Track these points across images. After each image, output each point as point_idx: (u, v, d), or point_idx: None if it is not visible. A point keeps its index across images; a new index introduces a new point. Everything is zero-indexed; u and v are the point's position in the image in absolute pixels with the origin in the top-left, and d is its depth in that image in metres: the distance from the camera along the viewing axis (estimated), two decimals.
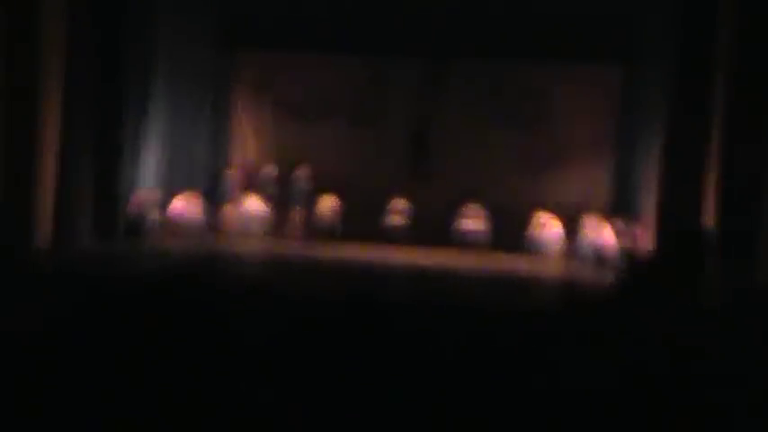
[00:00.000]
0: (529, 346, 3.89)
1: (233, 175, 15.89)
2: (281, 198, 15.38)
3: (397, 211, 14.82)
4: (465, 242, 14.50)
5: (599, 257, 13.37)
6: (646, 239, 12.64)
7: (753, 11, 10.07)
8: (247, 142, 16.33)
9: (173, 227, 14.22)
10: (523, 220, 14.65)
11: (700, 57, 11.27)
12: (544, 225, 14.38)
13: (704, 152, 10.93)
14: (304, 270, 12.17)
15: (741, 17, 10.22)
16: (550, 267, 13.75)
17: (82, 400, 3.40)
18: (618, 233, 13.25)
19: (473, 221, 14.60)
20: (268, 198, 15.40)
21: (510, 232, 14.51)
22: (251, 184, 15.86)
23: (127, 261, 11.26)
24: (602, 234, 13.55)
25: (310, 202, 15.19)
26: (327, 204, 15.01)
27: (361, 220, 14.75)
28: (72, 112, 11.93)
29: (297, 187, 15.28)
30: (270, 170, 15.62)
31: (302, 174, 15.32)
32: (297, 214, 15.28)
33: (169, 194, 14.49)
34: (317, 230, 14.98)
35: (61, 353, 4.37)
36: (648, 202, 12.78)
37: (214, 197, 15.55)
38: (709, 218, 10.68)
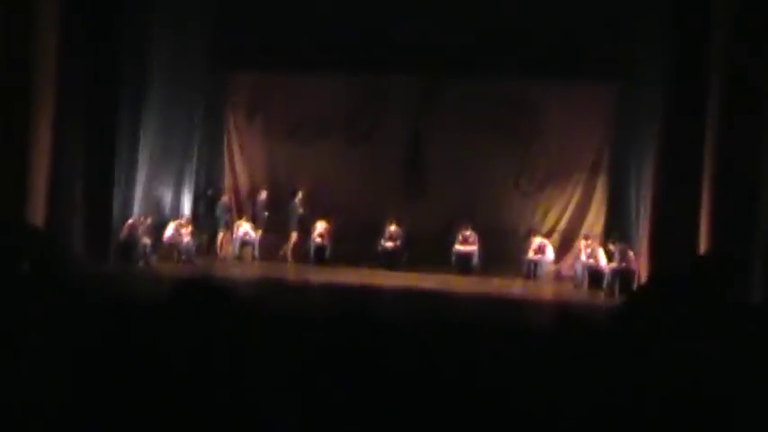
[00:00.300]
0: (523, 367, 3.78)
1: (226, 198, 15.83)
2: (273, 221, 15.31)
3: (391, 235, 14.72)
4: (459, 264, 14.43)
5: (593, 279, 13.30)
6: (640, 261, 12.58)
7: (747, 35, 10.09)
8: (240, 165, 16.27)
9: (165, 252, 14.16)
10: (517, 241, 14.60)
11: (694, 76, 11.27)
12: (538, 246, 14.31)
13: (699, 173, 10.90)
14: (296, 293, 12.09)
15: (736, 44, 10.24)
16: (544, 289, 13.69)
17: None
18: (612, 255, 13.18)
19: (467, 243, 14.53)
20: (261, 222, 15.33)
21: (504, 253, 14.45)
22: (244, 208, 15.82)
23: (118, 284, 11.15)
24: (596, 255, 13.49)
25: (304, 225, 15.13)
26: (320, 228, 14.94)
27: (355, 243, 14.67)
28: (64, 136, 11.92)
29: (290, 212, 15.21)
30: (262, 194, 15.56)
31: (296, 198, 15.26)
32: (290, 238, 15.20)
33: (161, 219, 14.43)
34: (310, 254, 14.91)
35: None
36: (643, 223, 12.73)
37: (206, 221, 15.48)
38: (704, 238, 10.65)
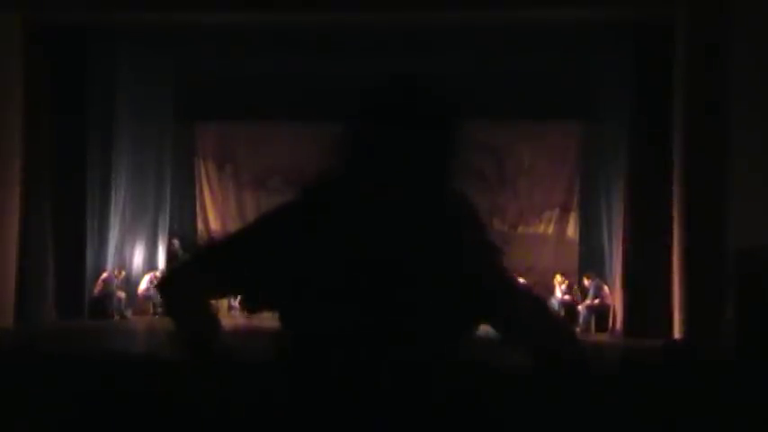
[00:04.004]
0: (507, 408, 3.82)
1: (198, 248, 15.78)
2: None
3: None
4: None
5: (569, 316, 13.35)
6: (614, 296, 12.66)
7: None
8: (212, 213, 16.24)
9: (139, 305, 14.05)
10: None
11: (658, 110, 11.47)
12: None
13: (669, 205, 11.06)
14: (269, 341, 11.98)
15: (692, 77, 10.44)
16: None
17: None
18: (587, 291, 13.26)
19: None
20: None
21: None
22: None
23: (91, 340, 11.05)
24: (571, 294, 13.56)
25: None
26: None
27: None
28: (32, 192, 11.87)
29: None
30: None
31: None
32: None
33: (134, 272, 14.35)
34: None
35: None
36: (615, 258, 12.84)
37: None
38: (676, 272, 10.76)
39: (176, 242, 15.81)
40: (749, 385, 5.08)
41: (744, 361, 7.60)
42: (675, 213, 10.93)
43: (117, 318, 13.28)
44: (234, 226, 16.00)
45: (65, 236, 12.53)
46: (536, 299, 2.15)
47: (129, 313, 13.65)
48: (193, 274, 2.19)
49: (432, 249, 1.98)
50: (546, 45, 12.50)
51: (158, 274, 14.42)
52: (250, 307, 2.24)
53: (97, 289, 13.21)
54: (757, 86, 9.83)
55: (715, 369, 5.45)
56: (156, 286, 2.34)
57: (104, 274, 13.34)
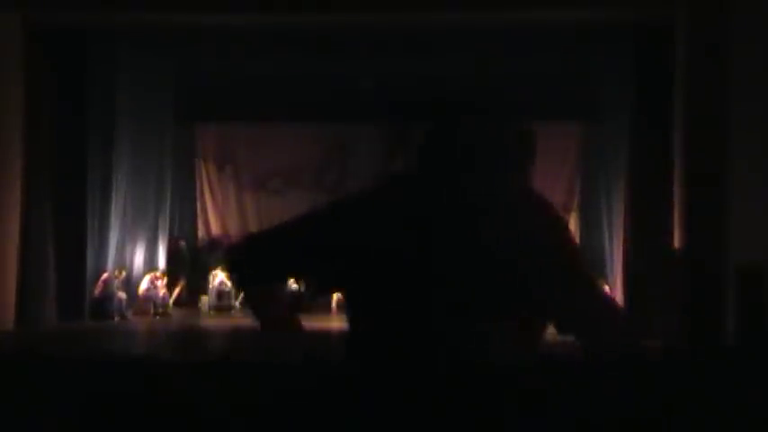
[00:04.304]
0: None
1: (198, 250, 15.80)
2: None
3: None
4: None
5: None
6: (615, 296, 12.65)
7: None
8: (213, 215, 16.26)
9: (139, 306, 14.06)
10: None
11: (657, 113, 11.47)
12: None
13: (669, 207, 11.06)
14: (270, 342, 11.99)
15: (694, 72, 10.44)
16: None
17: None
18: None
19: None
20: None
21: None
22: (210, 259, 15.78)
23: (91, 341, 11.05)
24: None
25: None
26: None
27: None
28: (33, 192, 11.87)
29: None
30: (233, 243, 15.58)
31: None
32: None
33: (134, 273, 14.36)
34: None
35: None
36: (616, 259, 12.84)
37: (179, 273, 15.42)
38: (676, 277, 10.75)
39: (183, 243, 15.84)
40: (749, 385, 5.09)
41: (743, 361, 7.61)
42: (675, 213, 10.92)
43: (117, 319, 13.28)
44: (234, 227, 16.06)
45: (65, 237, 12.53)
46: (607, 315, 2.13)
47: (129, 314, 13.66)
48: (267, 247, 2.25)
49: (496, 242, 2.02)
50: (546, 45, 12.51)
51: (158, 274, 14.46)
52: (318, 289, 2.33)
53: (97, 290, 13.21)
54: (757, 86, 9.84)
55: (715, 369, 5.46)
56: (227, 250, 2.36)
57: (104, 275, 13.34)
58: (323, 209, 2.26)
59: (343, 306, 2.24)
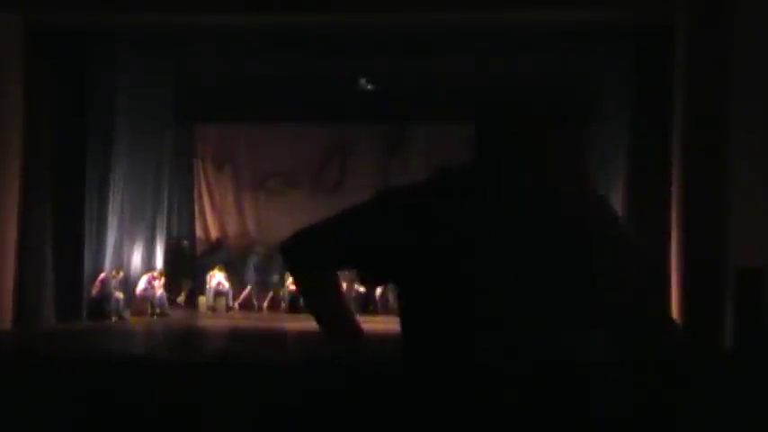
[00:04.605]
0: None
1: (196, 250, 15.81)
2: (243, 271, 15.33)
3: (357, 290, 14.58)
4: None
5: None
6: None
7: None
8: (211, 215, 16.26)
9: (137, 306, 14.05)
10: None
11: (657, 113, 11.47)
12: None
13: (668, 208, 11.05)
14: (268, 342, 12.02)
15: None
16: None
17: None
18: None
19: None
20: (231, 272, 15.33)
21: None
22: (214, 259, 15.79)
23: (89, 341, 11.05)
24: None
25: (273, 274, 15.14)
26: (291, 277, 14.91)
27: None
28: (32, 192, 11.86)
29: (256, 263, 15.28)
30: (231, 245, 15.62)
31: (259, 251, 15.35)
32: (259, 288, 15.21)
33: (132, 273, 14.35)
34: (282, 303, 14.87)
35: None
36: None
37: (178, 273, 15.41)
38: (675, 276, 10.74)
39: (186, 243, 15.85)
40: (748, 386, 5.08)
41: (743, 361, 7.60)
42: (674, 214, 10.91)
43: (115, 319, 13.27)
44: (233, 227, 16.05)
45: (63, 237, 12.52)
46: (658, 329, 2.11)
47: (127, 314, 13.65)
48: (321, 240, 2.22)
49: (556, 242, 1.99)
50: (546, 45, 12.49)
51: (156, 274, 14.45)
52: (371, 279, 2.26)
53: (95, 290, 13.19)
54: (757, 87, 9.82)
55: (715, 369, 5.44)
56: (283, 245, 2.32)
57: (102, 275, 13.33)
58: (375, 200, 2.21)
59: (393, 307, 2.20)
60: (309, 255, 2.21)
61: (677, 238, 10.79)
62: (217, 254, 15.94)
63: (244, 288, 15.51)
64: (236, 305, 15.35)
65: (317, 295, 2.27)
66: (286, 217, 15.54)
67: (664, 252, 11.07)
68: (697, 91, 10.38)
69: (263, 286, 15.51)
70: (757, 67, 9.87)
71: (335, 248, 2.20)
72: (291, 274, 2.32)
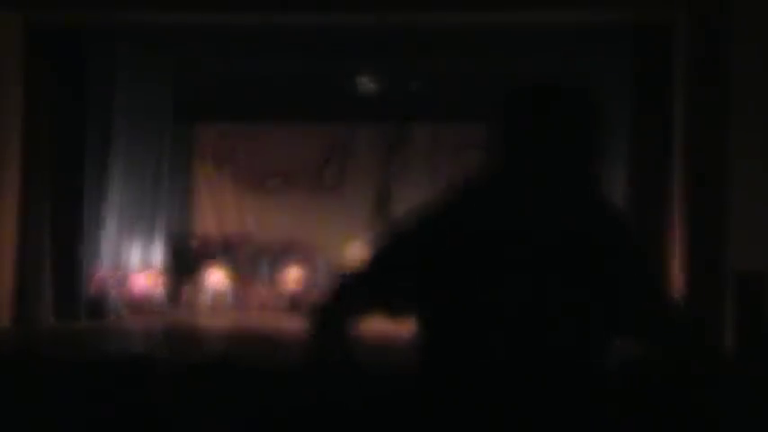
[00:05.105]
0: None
1: (195, 248, 15.79)
2: (243, 270, 15.32)
3: None
4: None
5: None
6: None
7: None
8: (210, 214, 16.24)
9: (135, 305, 14.03)
10: None
11: (657, 114, 11.46)
12: None
13: (668, 209, 11.04)
14: (269, 342, 12.02)
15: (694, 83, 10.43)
16: None
17: None
18: None
19: None
20: (231, 270, 15.32)
21: None
22: (213, 257, 15.76)
23: (88, 340, 11.04)
24: None
25: (273, 273, 15.12)
26: (292, 276, 14.90)
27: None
28: (30, 191, 11.85)
29: (257, 261, 15.27)
30: (231, 242, 15.60)
31: (256, 247, 15.36)
32: (260, 286, 15.18)
33: (130, 271, 14.32)
34: (282, 302, 14.85)
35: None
36: None
37: (176, 272, 15.39)
38: (676, 275, 10.73)
39: (185, 242, 15.82)
40: (748, 386, 5.07)
41: (743, 362, 7.59)
42: (675, 214, 10.90)
43: (113, 317, 13.25)
44: (232, 227, 16.02)
45: (62, 236, 12.50)
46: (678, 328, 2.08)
47: (125, 313, 13.62)
48: (356, 284, 2.23)
49: (581, 251, 1.96)
50: (546, 46, 12.47)
51: (155, 273, 14.43)
52: (400, 314, 2.21)
53: (93, 289, 13.18)
54: (757, 87, 9.82)
55: (714, 370, 5.44)
56: (312, 310, 2.26)
57: (100, 274, 13.30)
58: (407, 231, 2.18)
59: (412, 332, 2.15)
60: (345, 306, 2.17)
61: (678, 239, 10.78)
62: (216, 253, 15.92)
63: (243, 287, 15.48)
64: (236, 304, 15.31)
65: (331, 345, 2.23)
66: (286, 216, 15.55)
67: (664, 253, 11.07)
68: (697, 91, 10.38)
69: (262, 285, 15.47)
70: (757, 66, 9.87)
71: (371, 300, 2.17)
72: (318, 330, 2.25)
